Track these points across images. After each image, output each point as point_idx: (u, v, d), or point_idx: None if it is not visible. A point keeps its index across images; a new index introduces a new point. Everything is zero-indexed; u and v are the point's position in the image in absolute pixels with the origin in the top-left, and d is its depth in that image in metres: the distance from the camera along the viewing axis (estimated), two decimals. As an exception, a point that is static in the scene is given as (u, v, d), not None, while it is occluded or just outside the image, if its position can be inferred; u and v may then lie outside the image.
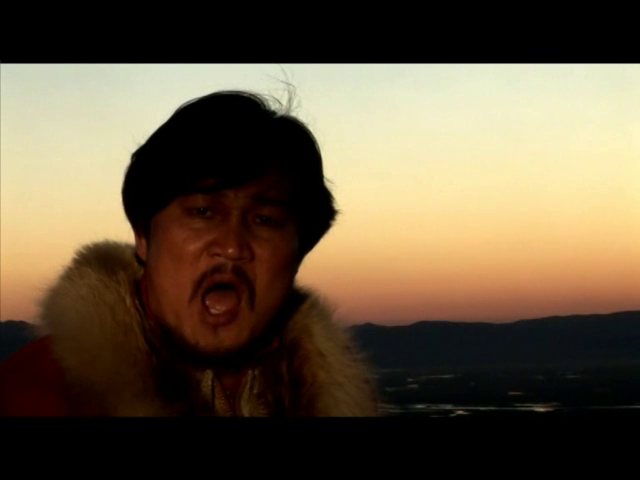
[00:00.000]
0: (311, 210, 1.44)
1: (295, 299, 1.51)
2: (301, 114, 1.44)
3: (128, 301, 1.41)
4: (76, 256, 1.46)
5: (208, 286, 1.37)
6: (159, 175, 1.39)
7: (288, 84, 1.44)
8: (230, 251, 1.36)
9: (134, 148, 1.43)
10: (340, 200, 1.48)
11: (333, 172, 1.47)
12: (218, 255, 1.36)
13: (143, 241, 1.45)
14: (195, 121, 1.39)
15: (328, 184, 1.46)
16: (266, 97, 1.43)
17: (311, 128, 1.45)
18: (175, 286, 1.38)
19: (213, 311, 1.37)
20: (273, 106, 1.43)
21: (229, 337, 1.37)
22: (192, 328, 1.37)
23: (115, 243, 1.49)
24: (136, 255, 1.47)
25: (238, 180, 1.36)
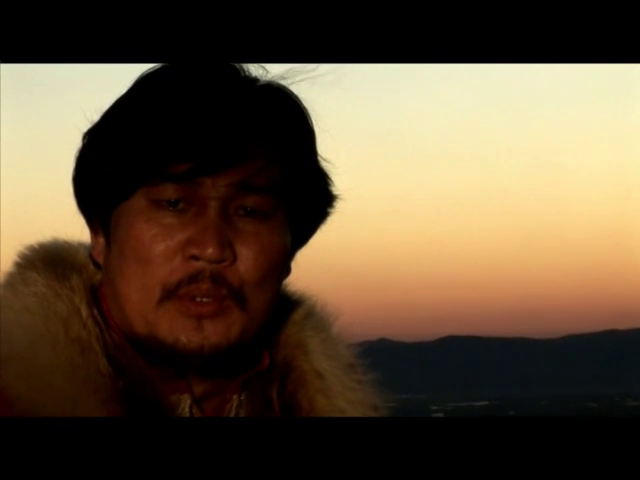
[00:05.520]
0: (305, 197, 1.24)
1: (287, 307, 1.32)
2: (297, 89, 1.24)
3: (84, 312, 1.21)
4: (19, 259, 1.26)
5: (184, 295, 1.18)
6: (119, 160, 1.19)
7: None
8: (209, 251, 1.16)
9: (86, 126, 1.23)
10: (346, 186, 1.29)
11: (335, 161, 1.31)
12: (195, 258, 1.17)
13: (100, 239, 1.25)
14: (161, 93, 1.19)
15: (324, 164, 1.26)
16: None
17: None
18: (141, 290, 1.19)
19: (196, 300, 1.18)
20: (255, 72, 1.24)
21: (216, 332, 1.18)
22: (170, 324, 1.18)
23: (66, 242, 1.29)
24: (91, 256, 1.27)
25: (217, 166, 1.17)
